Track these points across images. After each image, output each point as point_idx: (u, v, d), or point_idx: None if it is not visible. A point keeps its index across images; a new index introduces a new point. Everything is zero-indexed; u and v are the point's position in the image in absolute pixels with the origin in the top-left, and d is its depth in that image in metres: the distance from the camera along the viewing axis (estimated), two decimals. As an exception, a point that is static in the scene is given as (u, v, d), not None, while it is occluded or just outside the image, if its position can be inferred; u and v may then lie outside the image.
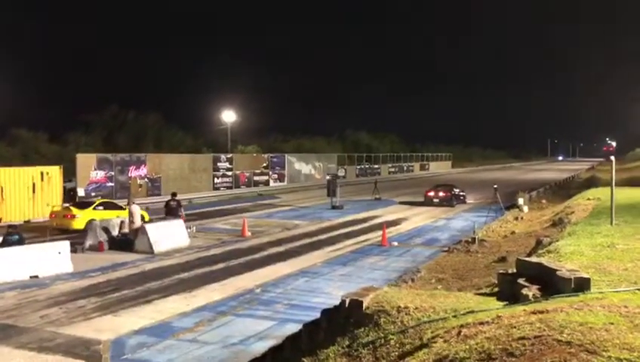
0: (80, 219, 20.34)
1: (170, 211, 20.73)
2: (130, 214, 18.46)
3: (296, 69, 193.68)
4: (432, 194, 32.02)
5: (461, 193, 33.23)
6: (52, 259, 14.46)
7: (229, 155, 41.91)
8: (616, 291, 7.07)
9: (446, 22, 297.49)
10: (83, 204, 21.91)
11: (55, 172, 25.06)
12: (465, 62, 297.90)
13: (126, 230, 18.42)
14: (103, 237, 17.88)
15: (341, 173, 52.53)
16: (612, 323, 5.23)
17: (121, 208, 21.48)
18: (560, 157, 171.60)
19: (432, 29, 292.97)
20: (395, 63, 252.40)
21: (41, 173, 24.38)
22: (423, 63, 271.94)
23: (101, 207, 21.39)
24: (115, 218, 19.45)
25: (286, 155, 48.82)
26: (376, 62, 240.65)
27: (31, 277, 13.86)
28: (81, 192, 28.27)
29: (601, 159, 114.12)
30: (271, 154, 47.34)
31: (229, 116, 49.79)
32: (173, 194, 21.73)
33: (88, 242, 17.67)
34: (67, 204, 22.51)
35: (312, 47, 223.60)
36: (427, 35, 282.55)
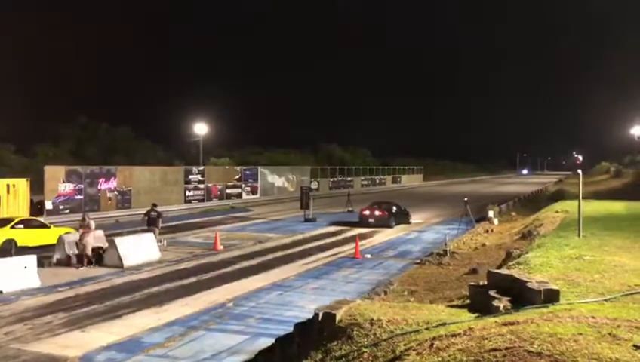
0: None
1: (151, 221, 20.70)
2: (87, 228, 17.26)
3: (268, 81, 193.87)
4: (367, 213, 28.11)
5: (403, 211, 29.50)
6: (17, 273, 14.07)
7: (201, 168, 41.59)
8: (585, 302, 7.21)
9: (410, 29, 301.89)
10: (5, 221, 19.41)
11: (22, 184, 24.49)
12: (435, 75, 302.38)
13: (98, 244, 18.01)
14: (72, 251, 17.49)
15: (314, 185, 52.60)
16: (581, 334, 5.32)
17: (45, 226, 20.06)
18: (524, 171, 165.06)
19: (404, 44, 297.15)
20: (366, 76, 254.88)
21: (7, 186, 23.80)
22: (393, 77, 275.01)
23: (21, 226, 19.25)
24: (75, 233, 18.99)
25: (259, 168, 48.67)
26: (347, 74, 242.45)
27: (-5, 292, 13.46)
28: (48, 205, 27.69)
29: (569, 172, 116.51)
30: (244, 167, 47.14)
31: (201, 128, 49.51)
32: (154, 205, 21.63)
33: (56, 256, 17.29)
34: None
35: (286, 61, 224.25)
36: (394, 48, 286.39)
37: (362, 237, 23.64)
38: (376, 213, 27.89)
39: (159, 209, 21.67)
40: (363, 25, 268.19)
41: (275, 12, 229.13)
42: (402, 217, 29.07)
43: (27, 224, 19.75)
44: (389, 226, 27.14)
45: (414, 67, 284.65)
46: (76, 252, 17.51)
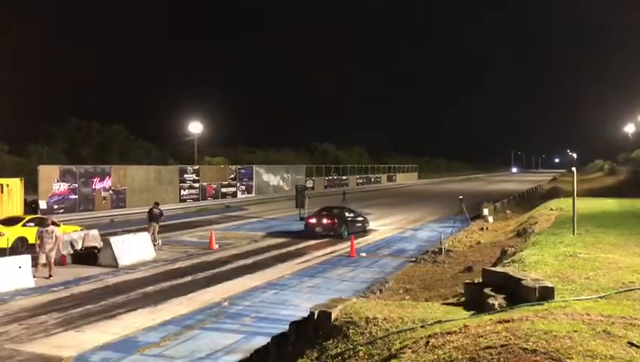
0: (6, 236, 18.44)
1: (153, 218, 21.00)
2: (46, 234, 15.71)
3: (263, 80, 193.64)
4: (313, 221, 23.88)
5: (357, 217, 25.48)
6: (12, 273, 14.00)
7: (196, 167, 41.49)
8: (579, 299, 7.23)
9: (407, 29, 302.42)
10: (11, 221, 19.87)
11: (16, 184, 24.37)
12: (432, 74, 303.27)
13: (93, 243, 17.97)
14: (67, 250, 17.43)
15: (309, 184, 52.61)
16: (575, 331, 5.34)
17: (55, 224, 19.76)
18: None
19: (393, 40, 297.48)
20: (360, 76, 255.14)
21: (1, 186, 23.69)
22: (388, 76, 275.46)
23: (32, 224, 19.41)
24: (79, 231, 19.03)
25: (254, 167, 48.58)
26: (342, 74, 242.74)
27: (-11, 292, 13.38)
28: (42, 205, 27.58)
29: (563, 170, 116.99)
30: (238, 166, 47.06)
31: (195, 127, 49.39)
32: (156, 204, 22.00)
33: (50, 256, 17.19)
34: None
35: (281, 60, 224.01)
36: (388, 47, 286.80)
37: (357, 235, 23.58)
38: (324, 220, 23.62)
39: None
40: (362, 25, 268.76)
41: (272, 12, 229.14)
42: (357, 224, 25.06)
43: (37, 222, 19.69)
44: (341, 236, 22.93)
45: (410, 67, 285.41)
46: (71, 252, 17.46)
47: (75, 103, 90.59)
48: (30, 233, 18.86)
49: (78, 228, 20.70)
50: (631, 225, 17.24)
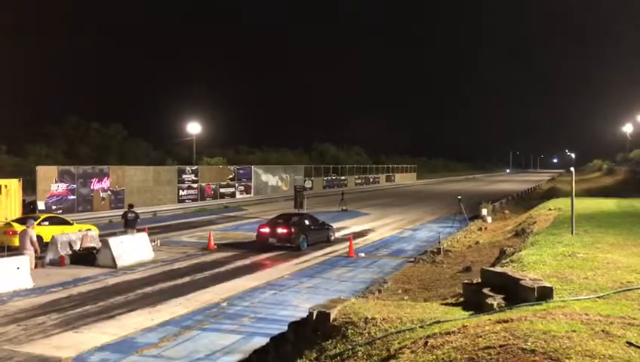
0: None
1: (128, 223, 20.84)
2: (27, 237, 15.60)
3: (261, 80, 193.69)
4: (266, 230, 20.68)
5: (317, 226, 22.20)
6: (10, 274, 13.98)
7: (195, 167, 41.47)
8: (578, 299, 7.24)
9: (406, 29, 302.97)
10: (26, 220, 19.88)
11: (14, 185, 24.32)
12: (431, 75, 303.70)
13: (91, 244, 17.95)
14: (65, 251, 17.42)
15: (308, 184, 52.61)
16: (574, 331, 5.34)
17: (68, 223, 20.72)
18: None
19: (391, 43, 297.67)
20: (360, 76, 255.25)
21: (-1, 186, 23.65)
22: (388, 76, 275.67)
23: (46, 223, 20.06)
24: (77, 232, 19.02)
25: (252, 167, 48.55)
26: (341, 74, 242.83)
27: (-13, 293, 13.36)
28: (41, 206, 27.54)
29: (561, 170, 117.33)
30: (237, 166, 47.04)
31: (194, 128, 49.36)
32: (130, 206, 21.73)
33: (49, 256, 17.21)
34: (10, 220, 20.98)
35: (279, 60, 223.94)
36: (387, 49, 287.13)
37: (356, 235, 23.69)
38: (279, 230, 20.46)
39: (151, 209, 21.80)
40: (362, 25, 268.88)
41: (272, 12, 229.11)
42: (319, 234, 22.08)
43: (52, 221, 20.62)
44: (299, 248, 20.29)
45: (410, 67, 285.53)
46: (69, 252, 17.45)
47: (73, 103, 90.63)
48: (45, 232, 19.22)
49: (94, 227, 21.20)
50: (629, 225, 17.26)
